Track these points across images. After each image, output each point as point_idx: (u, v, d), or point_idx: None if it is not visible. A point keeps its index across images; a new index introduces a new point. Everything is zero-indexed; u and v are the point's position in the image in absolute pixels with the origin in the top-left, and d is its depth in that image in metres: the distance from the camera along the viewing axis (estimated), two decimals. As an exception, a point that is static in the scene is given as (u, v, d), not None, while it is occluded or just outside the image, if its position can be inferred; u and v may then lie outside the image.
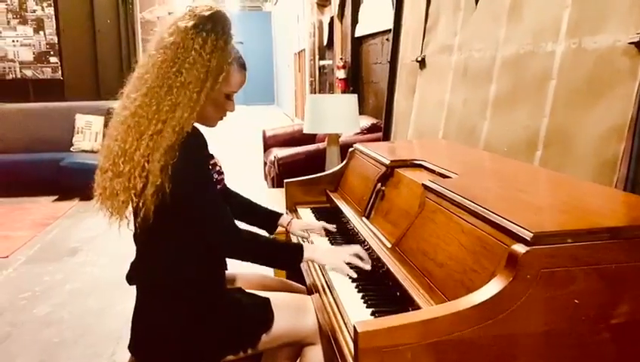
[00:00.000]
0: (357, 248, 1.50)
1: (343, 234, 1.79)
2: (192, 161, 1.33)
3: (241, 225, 1.75)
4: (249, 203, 1.80)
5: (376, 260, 1.47)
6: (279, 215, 1.81)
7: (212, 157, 1.53)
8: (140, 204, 1.30)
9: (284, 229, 1.83)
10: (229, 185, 1.75)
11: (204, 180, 1.36)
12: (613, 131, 1.66)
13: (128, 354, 1.48)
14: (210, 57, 1.31)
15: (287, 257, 1.46)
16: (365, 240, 1.60)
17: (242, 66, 1.45)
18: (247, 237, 1.42)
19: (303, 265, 1.62)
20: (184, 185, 1.30)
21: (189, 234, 1.37)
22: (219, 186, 1.48)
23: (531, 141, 2.01)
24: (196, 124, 1.49)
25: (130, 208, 1.36)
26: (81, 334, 2.60)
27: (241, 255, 1.44)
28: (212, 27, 1.33)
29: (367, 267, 1.43)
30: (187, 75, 1.30)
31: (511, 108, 2.18)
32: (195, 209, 1.34)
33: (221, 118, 1.48)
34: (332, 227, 1.82)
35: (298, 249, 1.44)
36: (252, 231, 1.46)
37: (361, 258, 1.45)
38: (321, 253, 1.47)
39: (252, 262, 1.49)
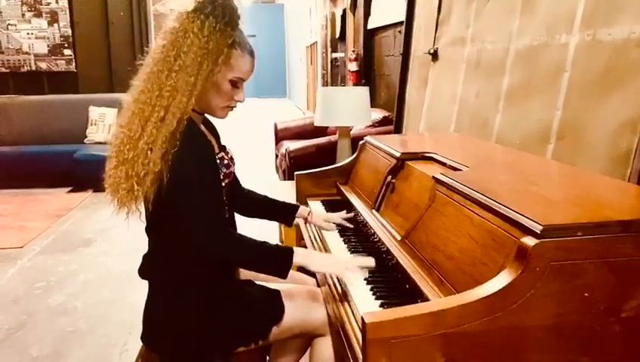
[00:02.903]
0: (350, 259, 1.44)
1: (354, 230, 1.79)
2: (191, 155, 1.31)
3: (257, 221, 1.76)
4: (264, 198, 1.75)
5: (385, 252, 1.47)
6: (297, 207, 1.78)
7: (223, 149, 1.52)
8: (140, 193, 1.30)
9: (304, 220, 1.80)
10: (242, 184, 1.73)
11: (198, 176, 1.33)
12: (626, 124, 1.64)
13: (140, 344, 1.50)
14: (208, 39, 1.30)
15: (276, 261, 1.36)
16: (375, 232, 1.60)
17: (249, 52, 1.40)
18: (235, 240, 1.37)
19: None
20: (177, 180, 1.29)
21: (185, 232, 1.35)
22: (227, 180, 1.47)
23: (544, 134, 1.99)
24: (208, 116, 1.49)
25: (138, 198, 1.36)
26: (95, 324, 2.64)
27: (225, 258, 1.40)
28: (211, 10, 1.32)
29: (365, 275, 1.33)
30: (185, 58, 1.29)
31: (524, 100, 2.16)
32: (182, 205, 1.31)
33: (230, 108, 1.44)
34: (350, 216, 1.80)
35: (288, 253, 1.36)
36: (242, 234, 1.39)
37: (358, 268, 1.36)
38: (314, 259, 1.39)
39: (239, 266, 1.48)
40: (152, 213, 1.34)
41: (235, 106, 1.45)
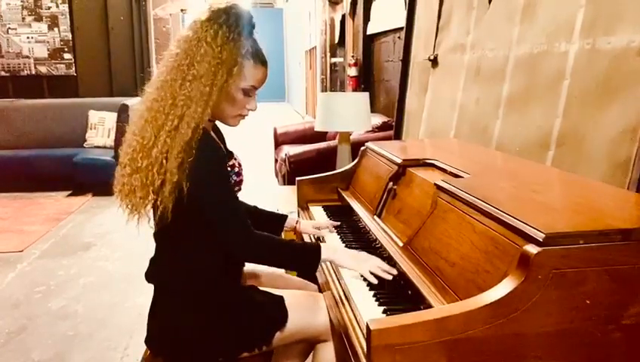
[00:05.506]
0: (378, 260, 1.42)
1: (354, 233, 1.80)
2: (209, 160, 1.32)
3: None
4: (254, 209, 1.75)
5: (387, 259, 1.48)
6: (285, 217, 1.79)
7: (232, 156, 1.53)
8: (158, 202, 1.31)
9: (292, 230, 1.82)
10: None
11: (219, 181, 1.35)
12: (626, 132, 1.65)
13: (142, 348, 1.51)
14: (222, 49, 1.31)
15: (304, 258, 1.41)
16: (377, 238, 1.61)
17: (261, 62, 1.40)
18: (262, 240, 1.40)
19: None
20: (199, 185, 1.30)
21: (205, 234, 1.37)
22: (237, 188, 1.48)
23: (544, 141, 2.01)
24: (218, 123, 1.50)
25: (149, 205, 1.37)
26: (96, 328, 2.64)
27: (256, 257, 1.43)
28: (225, 20, 1.33)
29: (389, 277, 1.36)
30: (199, 68, 1.30)
31: (524, 108, 2.18)
32: (208, 210, 1.34)
33: (242, 117, 1.44)
34: (336, 223, 1.83)
35: (315, 249, 1.39)
36: (269, 234, 1.43)
37: (385, 271, 1.37)
38: (342, 255, 1.42)
39: (267, 264, 1.49)
40: (170, 221, 1.34)
41: (246, 115, 1.45)
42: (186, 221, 1.35)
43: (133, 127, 1.37)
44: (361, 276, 1.40)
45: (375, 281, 1.34)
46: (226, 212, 1.36)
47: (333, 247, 1.45)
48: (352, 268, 1.40)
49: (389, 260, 1.46)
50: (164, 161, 1.29)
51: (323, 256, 1.39)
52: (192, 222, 1.37)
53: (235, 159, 1.52)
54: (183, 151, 1.28)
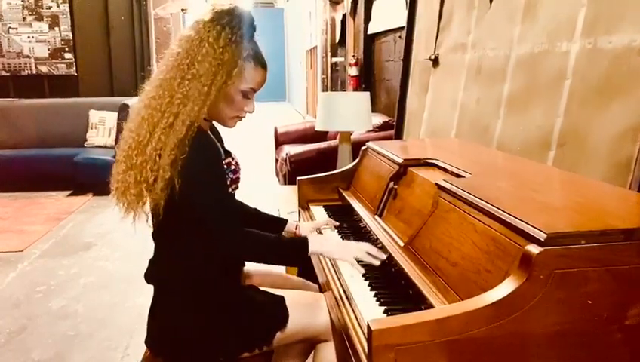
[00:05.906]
0: (367, 245, 1.44)
1: (355, 232, 1.80)
2: (201, 157, 1.32)
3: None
4: (254, 212, 1.75)
5: (388, 258, 1.48)
6: (285, 221, 1.78)
7: (229, 154, 1.53)
8: (149, 198, 1.31)
9: (292, 235, 1.81)
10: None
11: (210, 179, 1.35)
12: (627, 132, 1.65)
13: (142, 348, 1.51)
14: (223, 50, 1.31)
15: (292, 253, 1.42)
16: (378, 238, 1.61)
17: (261, 65, 1.41)
18: (250, 237, 1.39)
19: (315, 263, 1.63)
20: (189, 182, 1.30)
21: (198, 231, 1.36)
22: (234, 186, 1.48)
23: (545, 141, 2.00)
24: (215, 124, 1.50)
25: (147, 205, 1.37)
26: (96, 328, 2.64)
27: (244, 253, 1.43)
28: (228, 21, 1.34)
29: (377, 263, 1.39)
30: (199, 67, 1.30)
31: (525, 107, 2.17)
32: (198, 207, 1.33)
33: (239, 118, 1.45)
34: (336, 223, 1.83)
35: (303, 243, 1.40)
36: (256, 231, 1.43)
37: (372, 255, 1.40)
38: (329, 246, 1.43)
39: (257, 261, 1.48)
40: (163, 219, 1.34)
41: (244, 117, 1.45)
42: (180, 218, 1.35)
43: (130, 124, 1.37)
44: (362, 275, 1.39)
45: (362, 271, 1.37)
46: (215, 209, 1.35)
47: (319, 240, 1.45)
48: (338, 258, 1.42)
49: (390, 260, 1.46)
50: (158, 158, 1.29)
51: (311, 248, 1.39)
52: (186, 220, 1.36)
53: (233, 158, 1.52)
54: (176, 148, 1.28)
